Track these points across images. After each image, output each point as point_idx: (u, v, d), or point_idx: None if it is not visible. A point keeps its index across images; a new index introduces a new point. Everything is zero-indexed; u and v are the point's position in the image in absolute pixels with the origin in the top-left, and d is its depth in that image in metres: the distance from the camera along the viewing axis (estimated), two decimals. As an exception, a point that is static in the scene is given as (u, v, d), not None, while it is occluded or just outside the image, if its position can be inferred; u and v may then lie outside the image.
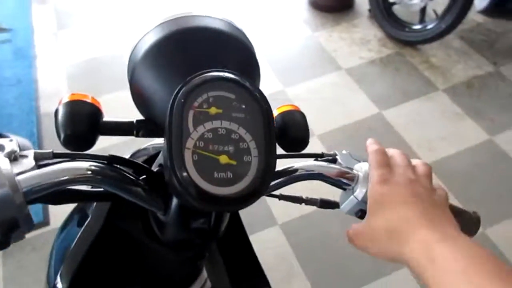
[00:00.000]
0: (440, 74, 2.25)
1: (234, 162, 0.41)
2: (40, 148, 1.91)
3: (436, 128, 2.00)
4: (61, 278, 0.62)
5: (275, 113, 0.57)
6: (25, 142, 0.49)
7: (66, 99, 0.49)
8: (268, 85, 2.11)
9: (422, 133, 1.98)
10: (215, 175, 0.40)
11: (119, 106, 2.08)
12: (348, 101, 2.14)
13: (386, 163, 0.49)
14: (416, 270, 0.40)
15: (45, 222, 1.65)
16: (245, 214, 0.70)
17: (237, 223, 0.77)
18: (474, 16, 2.54)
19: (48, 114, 2.12)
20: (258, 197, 0.42)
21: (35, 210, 1.63)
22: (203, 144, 0.41)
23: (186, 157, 0.40)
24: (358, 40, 2.49)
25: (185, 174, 0.39)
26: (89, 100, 0.50)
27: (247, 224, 0.76)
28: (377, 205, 0.46)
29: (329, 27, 2.59)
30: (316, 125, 1.88)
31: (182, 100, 0.41)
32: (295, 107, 0.59)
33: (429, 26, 2.29)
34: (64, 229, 0.75)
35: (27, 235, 0.41)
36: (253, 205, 0.41)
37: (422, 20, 2.36)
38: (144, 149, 0.68)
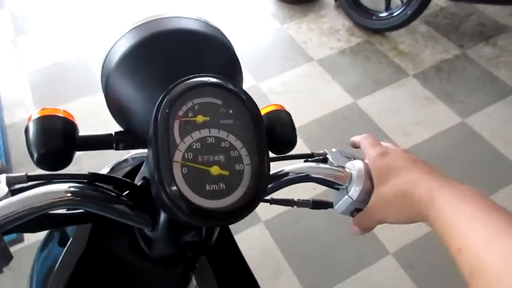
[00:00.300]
0: (410, 60, 2.28)
1: (226, 173, 0.39)
2: (8, 162, 1.82)
3: (409, 114, 2.03)
4: None
5: None
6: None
7: (36, 115, 0.46)
8: (240, 81, 2.07)
9: (396, 119, 2.00)
10: (207, 187, 0.38)
11: (87, 112, 2.02)
12: (322, 92, 2.14)
13: (378, 142, 0.53)
14: (425, 220, 0.43)
15: (19, 239, 1.58)
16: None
17: (223, 226, 0.74)
18: (437, 0, 2.59)
19: (13, 125, 2.03)
20: (254, 207, 0.39)
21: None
22: (192, 155, 0.38)
23: (175, 171, 0.37)
24: (327, 30, 2.49)
25: (175, 188, 0.36)
26: (61, 115, 0.47)
27: (231, 225, 0.74)
28: (382, 175, 0.49)
29: (297, 18, 2.58)
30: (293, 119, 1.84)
31: (167, 111, 0.38)
32: (280, 107, 0.57)
33: (396, 13, 2.31)
34: (44, 249, 0.70)
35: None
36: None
37: (388, 8, 2.38)
38: (124, 161, 0.64)
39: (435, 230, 0.42)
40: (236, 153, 0.40)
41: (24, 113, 2.08)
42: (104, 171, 0.63)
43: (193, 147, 0.38)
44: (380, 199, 0.48)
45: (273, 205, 0.57)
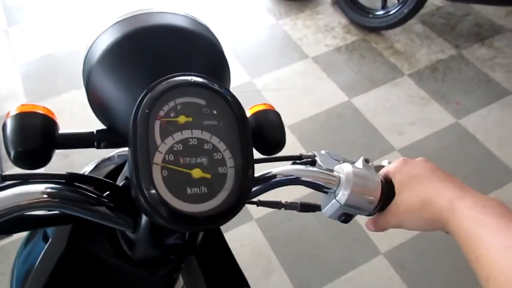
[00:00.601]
0: (405, 60, 2.27)
1: (208, 176, 0.37)
2: (-4, 155, 1.79)
3: (404, 113, 2.02)
4: None
5: (248, 113, 0.53)
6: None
7: (14, 111, 0.44)
8: (235, 76, 2.04)
9: (391, 118, 1.99)
10: (188, 191, 0.37)
11: (79, 105, 1.99)
12: (317, 89, 2.13)
13: None
14: (444, 228, 0.45)
15: (7, 233, 1.56)
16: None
17: None
18: (433, 0, 2.58)
19: (3, 117, 1.99)
20: (237, 212, 0.38)
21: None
22: (173, 157, 0.37)
23: (155, 173, 0.36)
24: (323, 28, 2.48)
25: (153, 191, 0.35)
26: (41, 111, 0.45)
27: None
28: (404, 182, 0.50)
29: (293, 15, 2.56)
30: (286, 116, 1.81)
31: (147, 111, 0.37)
32: (269, 106, 0.55)
33: (392, 12, 2.30)
34: (28, 244, 0.69)
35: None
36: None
37: (384, 6, 2.37)
38: (109, 158, 0.63)
39: (454, 238, 0.43)
40: (219, 155, 0.38)
41: (15, 105, 2.04)
42: (88, 168, 0.62)
43: (175, 148, 0.37)
44: (400, 206, 0.50)
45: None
